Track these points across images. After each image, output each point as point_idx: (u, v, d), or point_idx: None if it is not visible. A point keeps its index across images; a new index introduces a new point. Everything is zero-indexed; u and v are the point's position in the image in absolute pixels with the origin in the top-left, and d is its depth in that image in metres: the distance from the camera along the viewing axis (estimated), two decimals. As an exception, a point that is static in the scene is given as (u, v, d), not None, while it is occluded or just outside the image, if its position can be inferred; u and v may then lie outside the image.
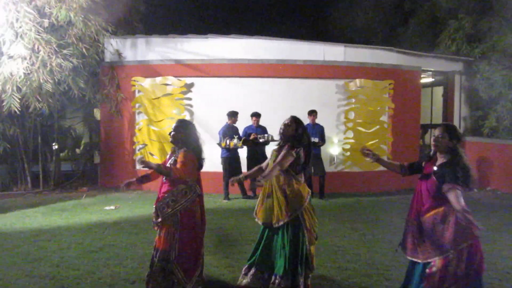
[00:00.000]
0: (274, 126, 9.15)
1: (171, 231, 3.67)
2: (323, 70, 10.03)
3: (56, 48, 8.63)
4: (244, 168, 9.06)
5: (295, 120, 4.15)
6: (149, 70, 10.02)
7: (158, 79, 9.91)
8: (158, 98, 9.93)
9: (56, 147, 10.75)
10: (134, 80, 10.03)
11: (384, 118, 10.31)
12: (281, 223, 3.91)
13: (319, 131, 9.04)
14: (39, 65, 8.40)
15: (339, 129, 10.10)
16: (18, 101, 8.33)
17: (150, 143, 9.98)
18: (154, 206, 3.81)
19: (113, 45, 10.23)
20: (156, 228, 3.78)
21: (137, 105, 10.08)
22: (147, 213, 7.48)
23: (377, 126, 10.22)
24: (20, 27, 8.25)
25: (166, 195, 3.73)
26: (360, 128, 10.14)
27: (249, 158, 8.99)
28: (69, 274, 4.42)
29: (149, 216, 7.19)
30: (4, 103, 8.36)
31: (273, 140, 8.95)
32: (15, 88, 8.30)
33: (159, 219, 3.70)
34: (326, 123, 9.41)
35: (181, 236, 3.68)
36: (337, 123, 10.09)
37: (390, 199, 9.12)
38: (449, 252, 3.11)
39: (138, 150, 10.12)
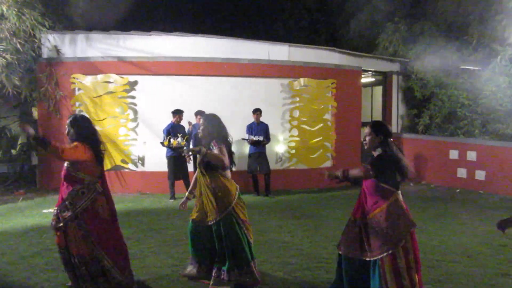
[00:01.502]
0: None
1: (78, 234, 3.60)
2: (268, 69, 10.17)
3: (-13, 43, 8.14)
4: (190, 167, 9.03)
5: (205, 119, 4.30)
6: (90, 67, 9.66)
7: (100, 77, 9.59)
8: (100, 96, 9.61)
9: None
10: (74, 78, 9.63)
11: (328, 116, 10.64)
12: (213, 221, 4.04)
13: (264, 129, 9.18)
14: (-32, 61, 7.89)
15: (284, 127, 10.30)
16: None
17: (92, 142, 9.64)
18: (54, 209, 3.72)
19: (50, 40, 9.76)
20: (57, 232, 3.67)
21: (77, 103, 9.69)
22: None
23: (321, 124, 10.53)
24: None
25: (64, 197, 3.66)
26: (304, 126, 10.40)
27: (195, 156, 8.96)
28: (0, 281, 4.21)
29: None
30: None
31: None
32: None
33: (60, 224, 3.60)
34: (272, 122, 9.58)
35: (96, 237, 3.64)
36: (282, 121, 10.28)
37: (333, 195, 9.43)
38: (396, 247, 3.27)
39: (79, 150, 9.74)
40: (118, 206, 7.85)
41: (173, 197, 8.72)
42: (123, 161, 9.62)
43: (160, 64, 9.69)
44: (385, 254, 3.27)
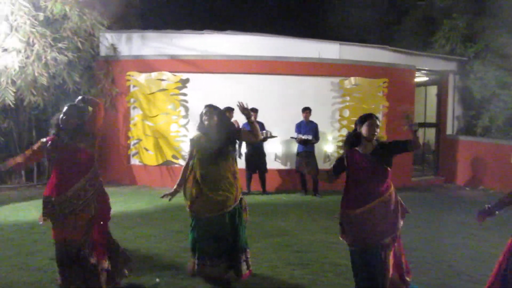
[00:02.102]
0: (268, 123, 9.25)
1: (87, 218, 3.53)
2: (318, 68, 10.06)
3: (51, 42, 8.61)
4: (242, 164, 9.09)
5: (213, 110, 4.21)
6: (144, 65, 10.00)
7: (153, 74, 9.90)
8: (153, 93, 9.92)
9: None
10: (129, 75, 10.00)
11: (379, 116, 10.35)
12: (230, 208, 4.00)
13: (313, 128, 9.11)
14: (34, 59, 8.38)
15: (334, 127, 10.15)
16: (13, 94, 8.31)
17: (145, 138, 9.98)
18: (52, 198, 3.50)
19: (108, 39, 10.19)
20: (54, 220, 3.51)
21: (132, 100, 10.06)
22: (141, 207, 7.53)
23: (372, 124, 10.27)
24: (15, 20, 8.22)
25: (81, 180, 3.52)
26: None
27: (248, 154, 9.05)
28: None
29: (144, 210, 7.28)
30: (-2, 96, 8.33)
31: (271, 136, 9.02)
32: (9, 81, 8.28)
33: (73, 208, 3.46)
34: (321, 121, 9.47)
35: (98, 221, 3.62)
36: (331, 121, 10.14)
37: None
38: (398, 230, 3.50)
39: (133, 145, 10.11)
40: (170, 201, 8.12)
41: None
42: (174, 156, 9.87)
43: (211, 62, 9.85)
44: (389, 237, 3.43)
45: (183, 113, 9.88)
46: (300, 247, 5.43)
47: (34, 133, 10.07)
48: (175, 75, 9.85)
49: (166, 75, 9.86)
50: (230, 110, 8.91)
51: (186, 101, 9.94)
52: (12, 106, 8.54)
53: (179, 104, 9.90)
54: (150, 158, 9.96)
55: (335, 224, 6.57)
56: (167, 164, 9.91)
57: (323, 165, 9.83)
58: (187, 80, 9.92)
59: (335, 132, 10.13)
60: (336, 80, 10.10)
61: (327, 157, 10.08)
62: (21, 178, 9.85)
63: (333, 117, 10.15)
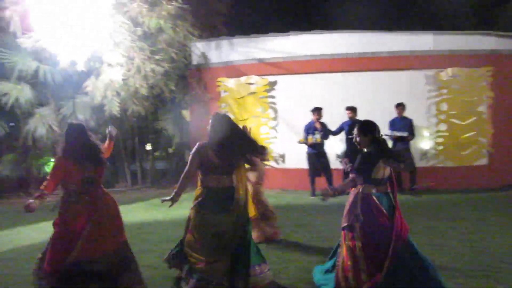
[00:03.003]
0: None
1: None
2: (410, 61, 9.55)
3: (149, 54, 9.23)
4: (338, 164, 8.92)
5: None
6: (233, 70, 10.30)
7: (242, 79, 10.16)
8: (243, 97, 10.18)
9: (150, 147, 11.51)
10: (220, 81, 10.37)
11: (482, 108, 9.53)
12: None
13: (408, 124, 8.71)
14: (134, 71, 9.07)
15: (430, 122, 9.55)
16: (118, 105, 9.06)
17: (236, 141, 10.25)
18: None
19: (199, 48, 10.67)
20: None
21: (223, 105, 10.42)
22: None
23: (474, 118, 9.49)
24: (117, 36, 8.96)
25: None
26: (454, 120, 9.50)
27: (348, 152, 8.87)
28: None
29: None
30: (105, 107, 9.14)
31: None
32: (114, 93, 9.04)
33: None
34: (416, 116, 8.98)
35: None
36: (428, 116, 9.55)
37: (492, 196, 8.39)
38: None
39: (225, 148, 10.44)
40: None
41: (313, 193, 8.77)
42: (265, 158, 10.02)
43: (298, 63, 9.85)
44: None
45: (272, 115, 10.00)
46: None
47: (136, 139, 10.89)
48: (263, 78, 10.01)
49: (255, 78, 10.06)
50: (318, 109, 8.85)
51: (275, 103, 10.05)
52: (118, 116, 9.31)
53: (268, 107, 10.04)
54: (242, 161, 10.21)
55: (437, 225, 6.19)
56: (258, 166, 10.07)
57: (420, 163, 9.31)
58: (275, 83, 10.03)
59: (432, 128, 9.53)
60: (431, 72, 9.51)
61: (424, 154, 9.50)
62: (127, 181, 10.71)
63: (429, 111, 9.56)
